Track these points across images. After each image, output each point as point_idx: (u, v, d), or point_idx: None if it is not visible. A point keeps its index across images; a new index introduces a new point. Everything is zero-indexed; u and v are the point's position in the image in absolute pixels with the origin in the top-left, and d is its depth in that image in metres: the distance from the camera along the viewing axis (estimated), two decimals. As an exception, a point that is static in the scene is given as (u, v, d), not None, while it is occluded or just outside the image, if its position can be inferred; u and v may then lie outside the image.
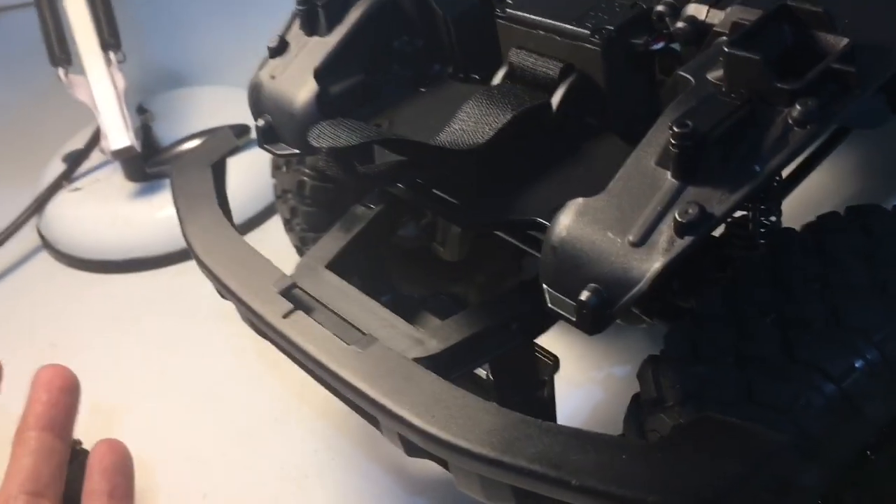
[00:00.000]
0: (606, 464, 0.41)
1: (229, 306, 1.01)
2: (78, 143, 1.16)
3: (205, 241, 0.60)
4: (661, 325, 0.60)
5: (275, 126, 0.63)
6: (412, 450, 0.49)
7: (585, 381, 0.81)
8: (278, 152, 0.63)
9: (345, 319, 0.53)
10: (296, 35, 0.64)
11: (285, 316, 0.53)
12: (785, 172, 0.66)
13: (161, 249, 1.06)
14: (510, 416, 0.44)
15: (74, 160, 1.13)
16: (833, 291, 0.47)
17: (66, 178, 1.12)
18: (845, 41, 0.46)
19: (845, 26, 0.47)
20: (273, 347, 0.79)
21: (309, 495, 0.76)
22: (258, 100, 0.64)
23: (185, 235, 0.61)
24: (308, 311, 0.54)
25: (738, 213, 0.61)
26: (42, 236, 1.13)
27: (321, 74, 0.61)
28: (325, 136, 0.51)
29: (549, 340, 0.61)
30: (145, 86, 1.28)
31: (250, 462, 0.80)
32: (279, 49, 0.64)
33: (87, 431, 0.81)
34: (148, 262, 1.06)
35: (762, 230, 0.60)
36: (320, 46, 0.62)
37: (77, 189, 1.13)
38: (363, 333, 0.52)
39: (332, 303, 0.55)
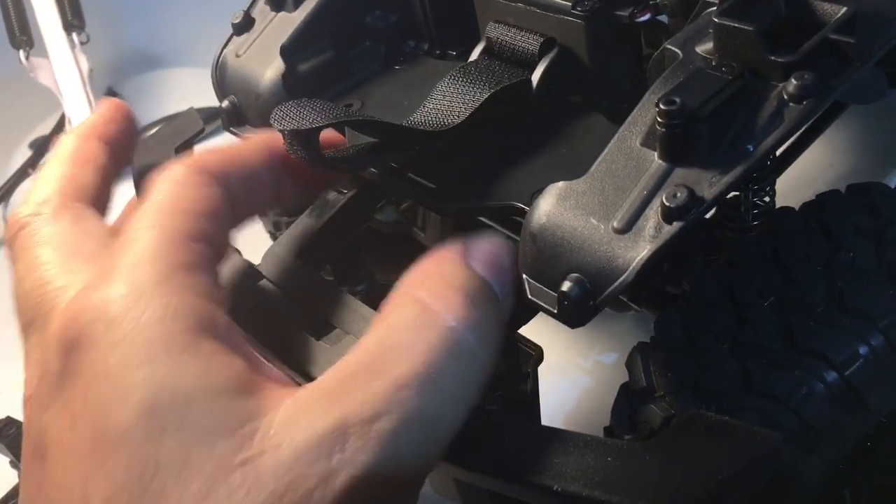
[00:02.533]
0: (590, 467, 0.38)
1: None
2: (45, 129, 1.12)
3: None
4: (650, 312, 0.58)
5: (241, 107, 0.59)
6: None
7: (572, 369, 0.78)
8: (245, 136, 0.59)
9: (314, 312, 0.50)
10: (261, 10, 0.61)
11: (251, 310, 0.50)
12: (779, 150, 0.64)
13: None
14: (488, 414, 0.41)
15: (41, 146, 1.09)
16: (836, 274, 0.44)
17: (32, 166, 1.08)
18: (844, 9, 0.43)
19: (845, -6, 0.44)
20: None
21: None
22: (223, 80, 0.60)
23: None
24: (275, 304, 0.50)
25: (731, 194, 0.58)
26: (10, 226, 1.10)
27: (288, 52, 0.58)
28: (288, 118, 0.47)
29: (535, 327, 0.58)
30: (116, 68, 1.24)
31: None
32: (244, 25, 0.60)
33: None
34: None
35: (755, 211, 0.57)
36: (287, 22, 0.59)
37: (45, 176, 1.09)
38: (333, 327, 0.49)
39: (301, 295, 0.51)
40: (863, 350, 0.42)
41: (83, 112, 0.96)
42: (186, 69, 1.24)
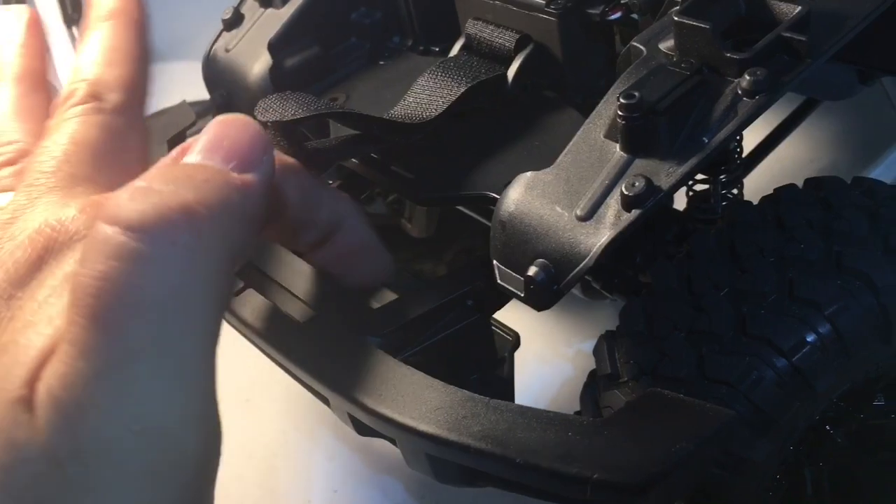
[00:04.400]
0: (552, 441, 0.41)
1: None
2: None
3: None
4: (622, 300, 0.60)
5: (230, 100, 0.62)
6: (362, 429, 0.48)
7: (554, 356, 0.80)
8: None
9: (297, 297, 0.52)
10: (250, 6, 0.63)
11: (237, 293, 0.52)
12: (751, 145, 0.66)
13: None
14: (457, 393, 0.44)
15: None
16: (787, 265, 0.46)
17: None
18: (799, 9, 0.45)
19: (800, -7, 0.46)
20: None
21: (277, 475, 0.76)
22: (213, 74, 0.63)
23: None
24: (260, 288, 0.53)
25: (701, 187, 0.60)
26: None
27: (275, 47, 0.60)
28: (271, 110, 0.49)
29: (517, 316, 0.61)
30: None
31: (249, 426, 0.80)
32: (233, 21, 0.63)
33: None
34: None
35: (724, 203, 0.59)
36: (274, 18, 0.61)
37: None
38: (315, 311, 0.51)
39: (285, 281, 0.54)
40: (810, 337, 0.44)
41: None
42: (181, 63, 1.26)
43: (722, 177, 0.58)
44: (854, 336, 0.45)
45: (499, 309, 0.56)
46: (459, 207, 0.62)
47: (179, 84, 1.20)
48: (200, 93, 1.06)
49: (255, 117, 0.52)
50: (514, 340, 0.59)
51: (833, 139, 0.96)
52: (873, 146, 0.93)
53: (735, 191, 0.60)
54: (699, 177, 0.59)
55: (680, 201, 0.59)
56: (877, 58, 0.56)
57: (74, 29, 1.06)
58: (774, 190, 0.51)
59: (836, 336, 0.44)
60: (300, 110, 0.49)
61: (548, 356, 0.80)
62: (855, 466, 0.54)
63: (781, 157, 0.73)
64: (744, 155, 0.59)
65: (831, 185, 0.50)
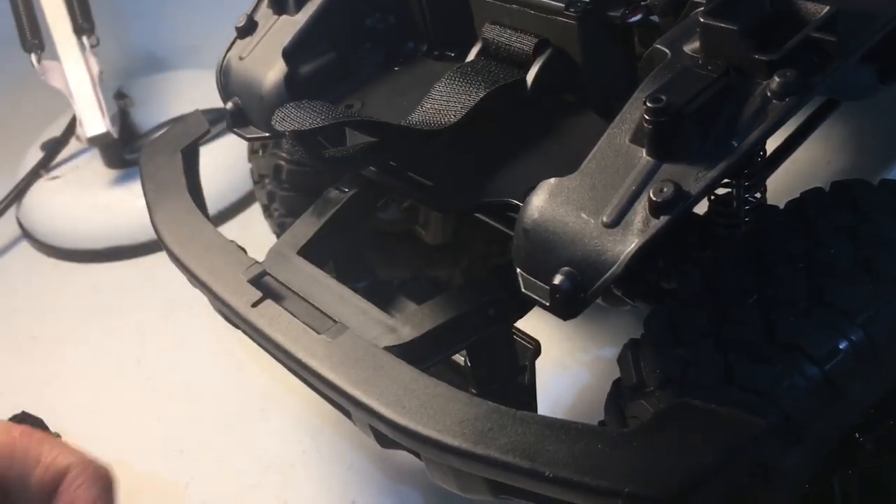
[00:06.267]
0: (581, 454, 0.40)
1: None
2: (56, 130, 1.14)
3: (174, 229, 0.58)
4: (644, 307, 0.59)
5: (244, 109, 0.61)
6: (384, 441, 0.47)
7: (572, 363, 0.79)
8: (248, 136, 0.61)
9: (316, 307, 0.52)
10: (264, 13, 0.62)
11: (254, 305, 0.52)
12: (772, 146, 0.65)
13: (142, 237, 1.04)
14: (483, 405, 0.43)
15: (53, 148, 1.11)
16: (816, 271, 0.45)
17: (44, 167, 1.10)
18: (827, 9, 0.44)
19: (827, -6, 0.45)
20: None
21: (293, 485, 0.75)
22: (227, 82, 0.62)
23: (153, 224, 0.59)
24: (278, 299, 0.52)
25: (723, 190, 0.59)
26: (21, 226, 1.11)
27: (290, 54, 0.59)
28: (288, 120, 0.49)
29: (535, 322, 0.60)
30: (125, 70, 1.25)
31: (234, 453, 0.79)
32: (247, 28, 0.62)
33: (66, 428, 0.79)
34: (129, 250, 1.04)
35: (747, 207, 0.59)
36: (289, 25, 0.60)
37: (56, 177, 1.11)
38: (334, 322, 0.50)
39: (303, 290, 0.53)
40: (842, 344, 0.43)
41: (94, 113, 0.98)
42: (193, 71, 1.26)
43: (745, 181, 0.57)
44: (887, 343, 0.44)
45: (521, 318, 0.55)
46: (477, 214, 0.61)
47: (188, 92, 1.20)
48: (210, 100, 1.06)
49: (271, 126, 0.52)
50: (535, 348, 0.59)
51: (850, 140, 0.95)
52: (891, 147, 0.92)
53: (758, 194, 0.59)
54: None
55: (699, 206, 0.58)
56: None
57: (34, 56, 1.04)
58: (801, 194, 0.50)
59: (868, 343, 0.43)
60: (318, 119, 0.49)
61: (566, 363, 0.79)
62: (884, 473, 0.53)
63: (797, 158, 0.72)
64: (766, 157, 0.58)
65: (858, 188, 0.49)
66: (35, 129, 1.19)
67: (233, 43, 0.63)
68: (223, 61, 0.62)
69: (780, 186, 0.61)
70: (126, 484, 0.81)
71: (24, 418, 0.82)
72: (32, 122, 1.21)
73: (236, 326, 0.55)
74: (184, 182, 0.62)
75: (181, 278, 1.04)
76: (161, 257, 1.03)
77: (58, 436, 0.78)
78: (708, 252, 0.54)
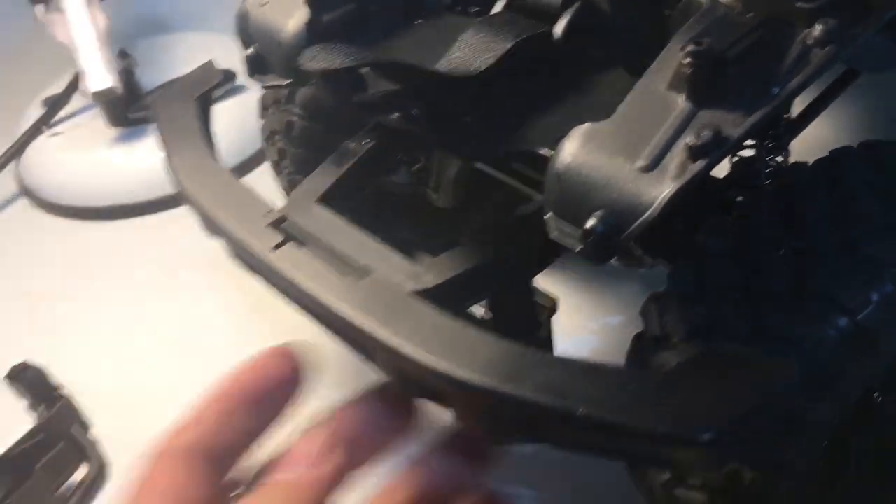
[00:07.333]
0: (613, 393, 0.40)
1: (215, 255, 0.98)
2: (58, 88, 1.13)
3: (191, 174, 0.57)
4: (664, 265, 0.59)
5: (264, 55, 0.60)
6: (409, 387, 0.47)
7: (580, 330, 0.80)
8: (269, 84, 0.60)
9: (338, 252, 0.51)
10: (287, -39, 0.61)
11: (276, 248, 0.51)
12: (794, 111, 0.65)
13: (144, 196, 1.03)
14: (513, 346, 0.43)
15: (54, 104, 1.09)
16: (848, 223, 0.45)
17: (45, 123, 1.09)
18: (865, -36, 0.44)
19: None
20: (262, 295, 0.75)
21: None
22: (246, 28, 0.61)
23: (170, 168, 0.59)
24: (299, 243, 0.51)
25: (745, 153, 0.59)
26: (21, 182, 1.10)
27: (313, 1, 0.58)
28: (319, 59, 0.48)
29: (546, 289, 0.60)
30: (126, 31, 1.24)
31: None
32: (268, -25, 0.61)
33: (66, 379, 0.78)
34: (130, 209, 1.03)
35: (768, 170, 0.59)
36: (312, -28, 0.60)
37: (57, 134, 1.09)
38: (357, 266, 0.50)
39: (324, 236, 0.52)
40: (874, 296, 0.43)
41: (99, 68, 0.97)
42: (196, 33, 1.25)
43: (768, 142, 0.57)
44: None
45: (542, 270, 0.55)
46: (488, 174, 0.61)
47: (191, 54, 1.19)
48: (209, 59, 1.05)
49: (298, 66, 0.51)
50: (552, 306, 0.58)
51: (863, 115, 0.95)
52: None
53: (779, 158, 0.59)
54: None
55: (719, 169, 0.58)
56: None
57: (40, 7, 1.03)
58: (830, 152, 0.50)
59: (899, 296, 0.43)
60: (349, 59, 0.48)
61: (574, 330, 0.79)
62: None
63: (811, 130, 0.72)
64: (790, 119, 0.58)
65: (888, 147, 0.50)
66: (36, 86, 1.18)
67: (252, -11, 0.62)
68: (242, 9, 0.62)
69: (801, 153, 0.61)
70: (133, 429, 0.81)
71: (24, 368, 0.81)
72: (33, 81, 1.20)
73: (254, 272, 0.55)
74: (200, 129, 0.61)
75: (182, 238, 1.04)
76: (162, 217, 1.03)
77: (60, 386, 0.78)
78: (733, 212, 0.54)
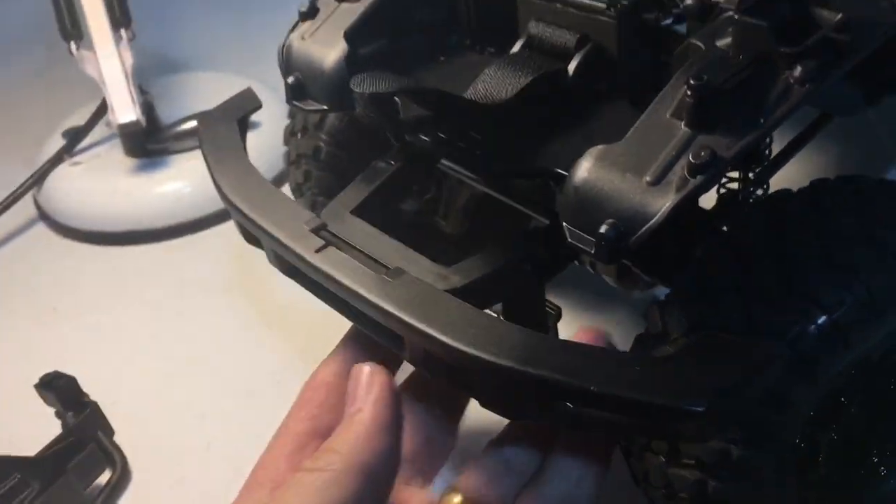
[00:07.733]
0: (621, 373, 0.46)
1: (229, 279, 1.04)
2: (78, 120, 1.18)
3: (236, 186, 0.64)
4: (659, 283, 0.66)
5: (304, 83, 0.67)
6: (436, 369, 0.52)
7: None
8: (307, 108, 0.67)
9: (372, 255, 0.57)
10: (325, 1, 0.69)
11: (318, 251, 0.57)
12: (774, 151, 0.72)
13: (160, 223, 1.09)
14: (533, 334, 0.49)
15: (75, 135, 1.15)
16: (827, 236, 0.52)
17: (66, 152, 1.14)
18: (840, 14, 0.52)
19: (838, 4, 0.53)
20: (270, 315, 0.80)
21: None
22: (289, 59, 0.68)
23: (214, 181, 0.65)
24: (339, 247, 0.57)
25: (730, 186, 0.66)
26: (39, 208, 1.15)
27: (351, 36, 0.65)
28: (367, 83, 0.55)
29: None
30: (142, 70, 1.31)
31: (252, 417, 0.83)
32: (309, 13, 0.68)
33: (90, 390, 0.82)
34: (146, 234, 1.09)
35: (751, 201, 0.66)
36: (349, 12, 0.67)
37: (77, 163, 1.15)
38: (391, 267, 0.56)
39: (359, 242, 0.59)
40: (848, 297, 0.50)
41: (126, 102, 1.03)
42: (210, 73, 1.32)
43: (752, 174, 0.64)
44: (885, 298, 0.51)
45: (554, 276, 0.61)
46: (494, 202, 0.67)
47: (205, 91, 1.26)
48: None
49: (330, 98, 0.57)
50: (557, 313, 0.65)
51: (836, 158, 1.03)
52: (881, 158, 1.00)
53: (760, 192, 0.66)
54: (729, 175, 0.65)
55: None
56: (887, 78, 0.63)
57: (73, 44, 1.10)
58: (810, 182, 0.58)
59: (869, 297, 0.50)
60: (394, 84, 0.55)
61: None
62: (866, 433, 0.60)
63: (790, 169, 0.80)
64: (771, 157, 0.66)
65: (861, 180, 0.57)
66: (56, 118, 1.24)
67: (295, 25, 0.69)
68: (286, 41, 0.69)
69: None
70: (149, 441, 0.85)
71: (56, 377, 0.85)
72: (54, 112, 1.25)
73: (293, 274, 0.61)
74: (242, 146, 0.67)
75: (194, 262, 1.09)
76: (177, 243, 1.09)
77: (87, 395, 0.82)
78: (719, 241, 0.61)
